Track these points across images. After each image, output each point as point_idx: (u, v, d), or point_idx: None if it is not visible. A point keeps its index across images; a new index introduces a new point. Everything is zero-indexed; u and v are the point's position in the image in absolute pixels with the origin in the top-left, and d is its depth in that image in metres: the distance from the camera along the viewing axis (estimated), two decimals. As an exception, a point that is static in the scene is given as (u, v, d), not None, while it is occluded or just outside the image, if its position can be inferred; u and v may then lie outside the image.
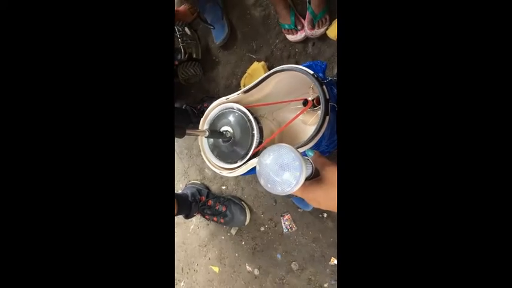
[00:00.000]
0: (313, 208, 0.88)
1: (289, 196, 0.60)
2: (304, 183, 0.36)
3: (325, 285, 0.88)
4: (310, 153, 0.41)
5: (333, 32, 0.85)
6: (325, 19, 0.86)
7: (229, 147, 0.71)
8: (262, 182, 0.35)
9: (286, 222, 0.95)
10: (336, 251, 0.86)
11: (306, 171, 0.35)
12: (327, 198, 0.37)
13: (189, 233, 1.15)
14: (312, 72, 0.51)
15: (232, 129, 0.70)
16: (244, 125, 0.70)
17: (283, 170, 0.33)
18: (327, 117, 0.51)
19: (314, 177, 0.39)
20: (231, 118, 0.73)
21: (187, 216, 0.98)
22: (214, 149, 0.73)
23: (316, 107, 0.62)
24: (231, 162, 0.70)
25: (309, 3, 0.85)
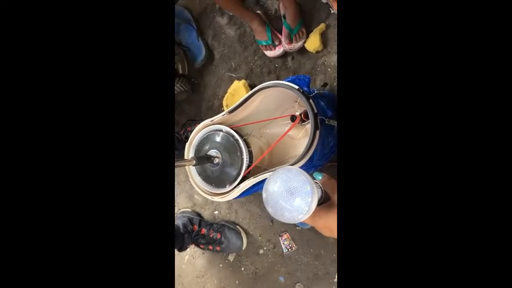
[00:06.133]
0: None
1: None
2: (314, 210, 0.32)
3: (333, 304, 0.84)
4: (319, 177, 0.38)
5: (311, 44, 0.85)
6: (302, 32, 0.85)
7: (219, 171, 0.68)
8: (270, 210, 0.32)
9: (286, 242, 0.91)
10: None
11: (317, 195, 0.32)
12: None
13: (184, 264, 1.09)
14: (297, 87, 0.50)
15: (220, 153, 0.67)
16: (232, 148, 0.67)
17: (293, 196, 0.30)
18: (317, 132, 0.49)
19: (324, 202, 0.36)
20: (218, 140, 0.70)
21: (181, 249, 0.92)
22: (202, 173, 0.70)
23: (304, 121, 0.61)
24: (221, 186, 0.67)
25: (284, 18, 0.85)
